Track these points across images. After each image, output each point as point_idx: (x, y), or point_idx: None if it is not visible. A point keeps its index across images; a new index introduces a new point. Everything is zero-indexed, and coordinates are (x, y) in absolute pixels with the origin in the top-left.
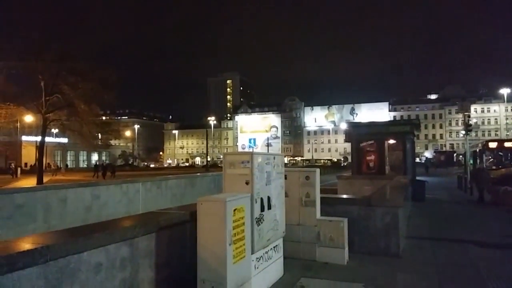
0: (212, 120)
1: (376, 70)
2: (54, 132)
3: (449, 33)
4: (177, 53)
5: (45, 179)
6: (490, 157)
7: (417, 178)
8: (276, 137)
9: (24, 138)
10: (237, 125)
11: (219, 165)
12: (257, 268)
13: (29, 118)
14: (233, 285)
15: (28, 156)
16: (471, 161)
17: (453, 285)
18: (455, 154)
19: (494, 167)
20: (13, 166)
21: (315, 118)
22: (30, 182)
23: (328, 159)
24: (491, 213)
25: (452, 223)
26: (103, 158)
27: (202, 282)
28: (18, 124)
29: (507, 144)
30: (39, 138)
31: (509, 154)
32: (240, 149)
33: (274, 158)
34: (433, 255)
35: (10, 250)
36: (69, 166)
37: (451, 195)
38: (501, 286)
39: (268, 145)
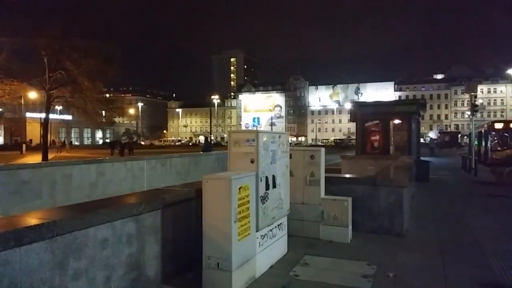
0: (216, 99)
1: (382, 49)
2: (58, 109)
3: (456, 12)
4: (181, 30)
5: (50, 156)
6: (495, 138)
7: (421, 158)
8: (280, 117)
9: (28, 114)
10: (241, 104)
11: (223, 144)
12: (262, 245)
13: (33, 95)
14: (238, 262)
15: (33, 132)
16: (476, 142)
17: (456, 264)
18: (459, 135)
19: (499, 148)
20: (23, 141)
21: (319, 97)
22: (35, 158)
23: (324, 139)
24: (495, 194)
25: (456, 203)
26: (107, 135)
27: (208, 258)
28: (22, 100)
29: None
30: (43, 115)
31: None
32: (243, 128)
33: (280, 137)
34: (436, 234)
35: (17, 225)
36: (73, 143)
37: (455, 176)
38: (504, 265)
39: (272, 124)
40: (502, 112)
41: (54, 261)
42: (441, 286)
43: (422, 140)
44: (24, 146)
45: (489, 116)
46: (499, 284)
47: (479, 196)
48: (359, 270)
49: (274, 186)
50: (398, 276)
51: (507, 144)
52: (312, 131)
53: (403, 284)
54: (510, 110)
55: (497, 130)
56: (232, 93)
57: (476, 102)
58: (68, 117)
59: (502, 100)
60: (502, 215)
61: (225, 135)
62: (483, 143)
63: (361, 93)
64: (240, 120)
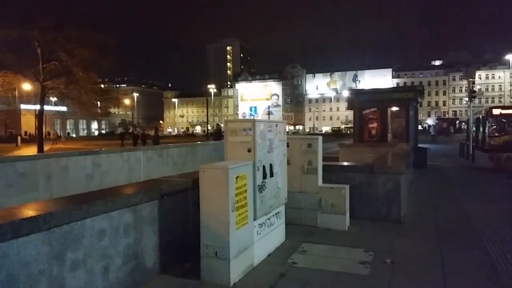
0: (212, 88)
1: (380, 36)
2: (53, 101)
3: None
4: (176, 19)
5: (45, 148)
6: (493, 124)
7: (419, 145)
8: (277, 105)
9: (23, 106)
10: (237, 93)
11: None
12: (260, 234)
13: (27, 86)
14: (236, 250)
15: (28, 124)
16: (474, 128)
17: (453, 250)
18: (457, 122)
19: (496, 134)
20: (18, 133)
21: (316, 85)
22: (30, 150)
23: (335, 127)
24: (492, 180)
25: (454, 189)
26: (103, 126)
27: (206, 247)
28: (17, 92)
29: (510, 111)
30: (38, 107)
31: None
32: (240, 117)
33: (276, 125)
34: (434, 220)
35: (14, 217)
36: (70, 135)
37: (452, 162)
38: (501, 250)
39: (269, 113)
40: (500, 98)
41: (51, 252)
42: (439, 272)
43: (420, 127)
44: (19, 138)
45: (487, 102)
46: (495, 270)
47: (477, 182)
48: (357, 257)
49: (271, 175)
50: (396, 263)
51: (505, 130)
52: (310, 119)
53: (400, 270)
54: (508, 96)
55: (495, 116)
56: (228, 82)
57: (474, 88)
58: (63, 108)
59: (500, 85)
60: (500, 201)
61: (222, 125)
62: (481, 129)
63: (359, 81)
64: (237, 109)
